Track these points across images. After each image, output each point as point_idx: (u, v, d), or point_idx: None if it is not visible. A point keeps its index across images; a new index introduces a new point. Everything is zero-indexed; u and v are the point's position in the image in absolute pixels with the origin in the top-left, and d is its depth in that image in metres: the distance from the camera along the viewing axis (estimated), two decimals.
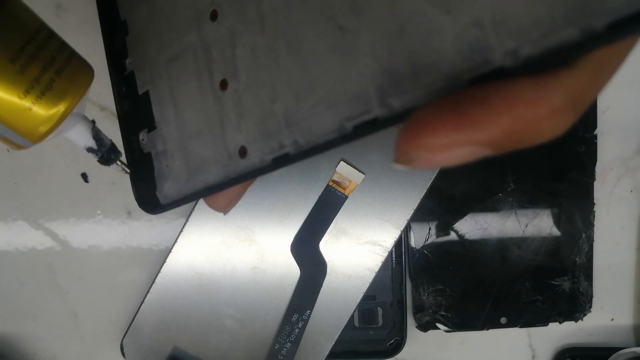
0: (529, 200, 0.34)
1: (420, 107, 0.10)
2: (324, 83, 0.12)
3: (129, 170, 0.17)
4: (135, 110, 0.17)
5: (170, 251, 0.32)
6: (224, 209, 0.17)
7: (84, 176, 0.34)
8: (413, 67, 0.10)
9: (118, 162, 0.16)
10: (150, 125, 0.16)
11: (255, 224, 0.31)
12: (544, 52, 0.09)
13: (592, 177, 0.35)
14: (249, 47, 0.13)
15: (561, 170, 0.34)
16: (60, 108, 0.14)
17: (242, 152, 0.14)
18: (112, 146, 0.16)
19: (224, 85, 0.14)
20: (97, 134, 0.15)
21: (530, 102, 0.10)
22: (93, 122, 0.16)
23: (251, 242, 0.31)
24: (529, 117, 0.10)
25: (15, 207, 0.35)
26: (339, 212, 0.31)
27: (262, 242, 0.31)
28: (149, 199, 0.16)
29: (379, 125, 0.11)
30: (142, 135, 0.16)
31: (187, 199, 0.16)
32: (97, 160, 0.16)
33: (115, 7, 0.17)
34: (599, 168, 0.35)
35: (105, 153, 0.16)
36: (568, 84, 0.10)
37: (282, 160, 0.13)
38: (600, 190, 0.35)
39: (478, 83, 0.10)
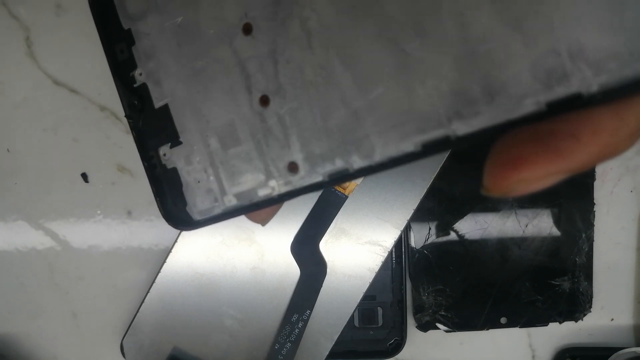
0: (529, 200, 0.34)
1: (505, 138, 0.11)
2: (387, 102, 0.11)
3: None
4: (152, 125, 0.16)
5: (170, 251, 0.32)
6: (264, 220, 0.17)
7: (84, 176, 0.34)
8: (486, 89, 0.10)
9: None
10: (174, 140, 0.16)
11: (255, 224, 0.31)
12: (622, 82, 0.09)
13: (592, 177, 0.35)
14: (294, 63, 0.13)
15: None
16: None
17: (293, 168, 0.14)
18: None
19: (264, 101, 0.14)
20: None
21: (613, 131, 0.10)
22: None
23: (251, 242, 0.31)
24: (612, 144, 0.11)
25: (15, 207, 0.35)
26: (339, 212, 0.31)
27: (262, 242, 0.31)
28: (179, 215, 0.16)
29: (450, 144, 0.11)
30: (164, 150, 0.16)
31: (230, 215, 0.16)
32: None
33: (115, 15, 0.16)
34: (599, 168, 0.35)
35: None
36: None
37: (340, 177, 0.13)
38: (600, 190, 0.35)
39: (555, 108, 0.10)
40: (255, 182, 0.14)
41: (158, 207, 0.16)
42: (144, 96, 0.16)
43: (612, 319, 0.36)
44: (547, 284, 0.35)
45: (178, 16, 0.15)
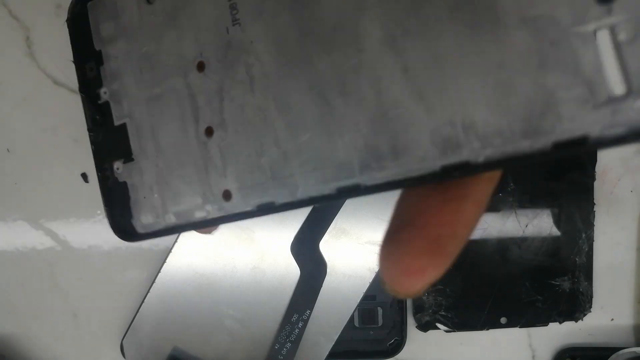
0: (529, 200, 0.34)
1: (399, 244, 0.12)
2: (311, 147, 0.13)
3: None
4: (110, 140, 0.18)
5: (170, 251, 0.32)
6: (207, 232, 0.18)
7: (84, 176, 0.34)
8: (393, 148, 0.12)
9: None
10: (127, 157, 0.17)
11: (255, 224, 0.31)
12: (503, 157, 0.11)
13: (592, 177, 0.35)
14: (237, 102, 0.14)
15: (561, 171, 0.35)
16: None
17: (227, 195, 0.15)
18: None
19: (209, 132, 0.15)
20: None
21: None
22: None
23: (251, 242, 0.31)
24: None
25: (15, 207, 0.35)
26: (339, 212, 0.31)
27: (262, 242, 0.31)
28: (125, 227, 0.17)
29: (360, 191, 0.13)
30: (117, 165, 0.17)
31: (169, 231, 0.17)
32: None
33: (89, 36, 0.17)
34: (599, 168, 0.35)
35: None
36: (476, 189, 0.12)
37: (267, 208, 0.14)
38: (600, 191, 0.35)
39: (447, 172, 0.12)
40: (193, 204, 0.16)
41: (106, 216, 0.18)
42: (105, 113, 0.17)
43: (612, 319, 0.36)
44: (547, 284, 0.35)
45: (144, 46, 0.16)
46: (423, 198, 0.13)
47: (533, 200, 0.34)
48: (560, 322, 0.35)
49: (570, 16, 0.11)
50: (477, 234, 0.34)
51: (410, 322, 0.34)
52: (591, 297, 0.35)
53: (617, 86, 0.10)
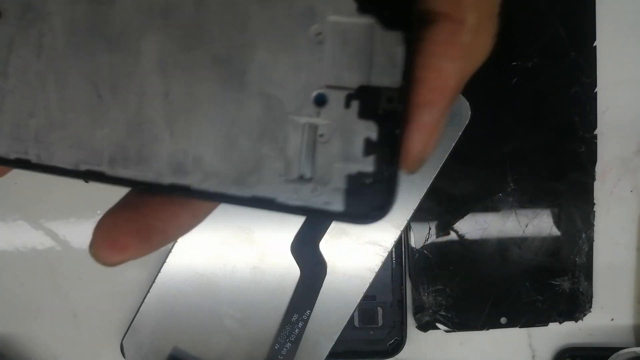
0: (529, 200, 0.34)
1: (115, 220, 0.14)
2: (75, 126, 0.14)
3: None
4: None
5: (170, 251, 0.32)
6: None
7: None
8: (138, 155, 0.14)
9: None
10: None
11: (255, 224, 0.31)
12: (215, 193, 0.13)
13: (592, 177, 0.35)
14: (22, 61, 0.15)
15: (561, 170, 0.35)
16: None
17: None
18: None
19: None
20: None
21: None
22: None
23: (251, 242, 0.31)
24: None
25: (15, 207, 0.35)
26: None
27: (262, 242, 0.31)
28: None
29: (104, 179, 0.14)
30: None
31: None
32: None
33: None
34: (599, 168, 0.35)
35: None
36: None
37: (23, 163, 0.15)
38: (600, 191, 0.35)
39: (175, 189, 0.14)
40: None
41: None
42: None
43: (612, 319, 0.36)
44: (547, 284, 0.35)
45: None
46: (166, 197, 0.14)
47: (533, 200, 0.34)
48: (560, 322, 0.35)
49: (293, 105, 0.13)
50: (477, 233, 0.34)
51: (410, 322, 0.34)
52: (591, 297, 0.35)
53: (306, 172, 0.13)
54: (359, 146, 0.13)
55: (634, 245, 0.36)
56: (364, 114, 0.13)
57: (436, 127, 0.13)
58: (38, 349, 0.35)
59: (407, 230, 0.34)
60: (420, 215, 0.33)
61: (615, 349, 0.34)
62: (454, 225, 0.34)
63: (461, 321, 0.34)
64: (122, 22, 0.14)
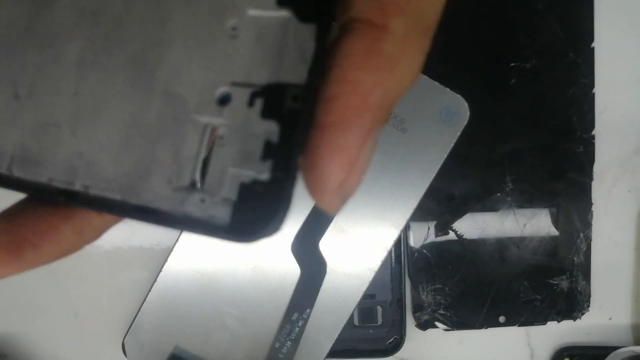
0: (527, 200, 0.35)
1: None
2: None
3: None
4: None
5: (171, 250, 0.32)
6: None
7: None
8: (37, 157, 0.13)
9: None
10: None
11: None
12: (100, 201, 0.12)
13: (590, 177, 0.35)
14: None
15: (559, 170, 0.35)
16: None
17: None
18: None
19: None
20: None
21: (72, 245, 0.14)
22: None
23: None
24: (72, 249, 0.15)
25: None
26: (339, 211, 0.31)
27: (262, 241, 0.32)
28: None
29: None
30: None
31: None
32: None
33: None
34: (597, 168, 0.35)
35: None
36: None
37: None
38: (598, 190, 0.35)
39: (61, 194, 0.13)
40: None
41: None
42: None
43: (610, 318, 0.36)
44: (546, 283, 0.35)
45: None
46: (48, 208, 0.13)
47: (531, 200, 0.35)
48: (558, 321, 0.35)
49: (196, 104, 0.12)
50: (476, 233, 0.35)
51: (410, 321, 0.35)
52: (589, 296, 0.35)
53: (198, 178, 0.12)
54: (257, 150, 0.11)
55: (632, 244, 0.36)
56: (266, 114, 0.11)
57: (357, 154, 0.11)
58: (39, 348, 0.35)
59: (406, 229, 0.34)
60: (419, 214, 0.33)
61: (613, 348, 0.34)
62: (453, 225, 0.34)
63: (460, 320, 0.35)
64: (56, 23, 0.13)
